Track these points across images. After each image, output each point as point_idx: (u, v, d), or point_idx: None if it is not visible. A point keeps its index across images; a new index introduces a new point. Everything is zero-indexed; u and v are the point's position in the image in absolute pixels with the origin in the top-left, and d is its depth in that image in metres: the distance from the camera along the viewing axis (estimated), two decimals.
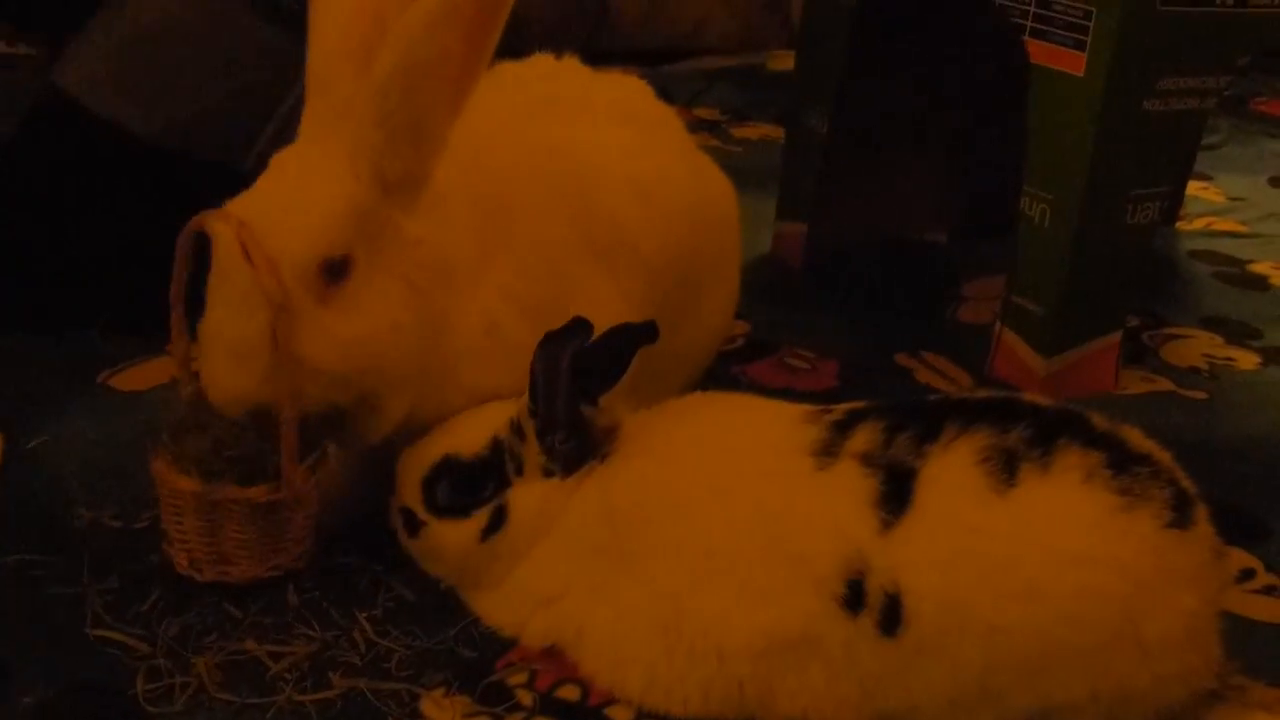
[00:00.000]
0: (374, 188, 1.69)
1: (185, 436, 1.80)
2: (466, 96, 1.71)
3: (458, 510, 1.76)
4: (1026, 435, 1.55)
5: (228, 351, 1.66)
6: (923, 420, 1.61)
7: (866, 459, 1.59)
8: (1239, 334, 3.05)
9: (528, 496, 1.74)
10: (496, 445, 1.75)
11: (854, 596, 1.54)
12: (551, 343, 1.69)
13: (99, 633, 1.70)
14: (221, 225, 1.64)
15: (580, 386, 1.70)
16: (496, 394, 1.80)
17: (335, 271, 1.68)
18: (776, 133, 4.36)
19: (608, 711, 1.66)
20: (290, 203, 1.67)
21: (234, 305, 1.65)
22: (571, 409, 1.71)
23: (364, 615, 1.77)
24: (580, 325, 1.69)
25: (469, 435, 1.78)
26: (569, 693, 1.68)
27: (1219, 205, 4.08)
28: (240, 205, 1.68)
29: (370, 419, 1.77)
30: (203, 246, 1.69)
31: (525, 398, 1.74)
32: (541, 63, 2.24)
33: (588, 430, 1.73)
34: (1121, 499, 1.49)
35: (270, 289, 1.60)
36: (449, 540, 1.77)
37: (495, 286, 1.82)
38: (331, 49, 1.75)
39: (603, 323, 1.71)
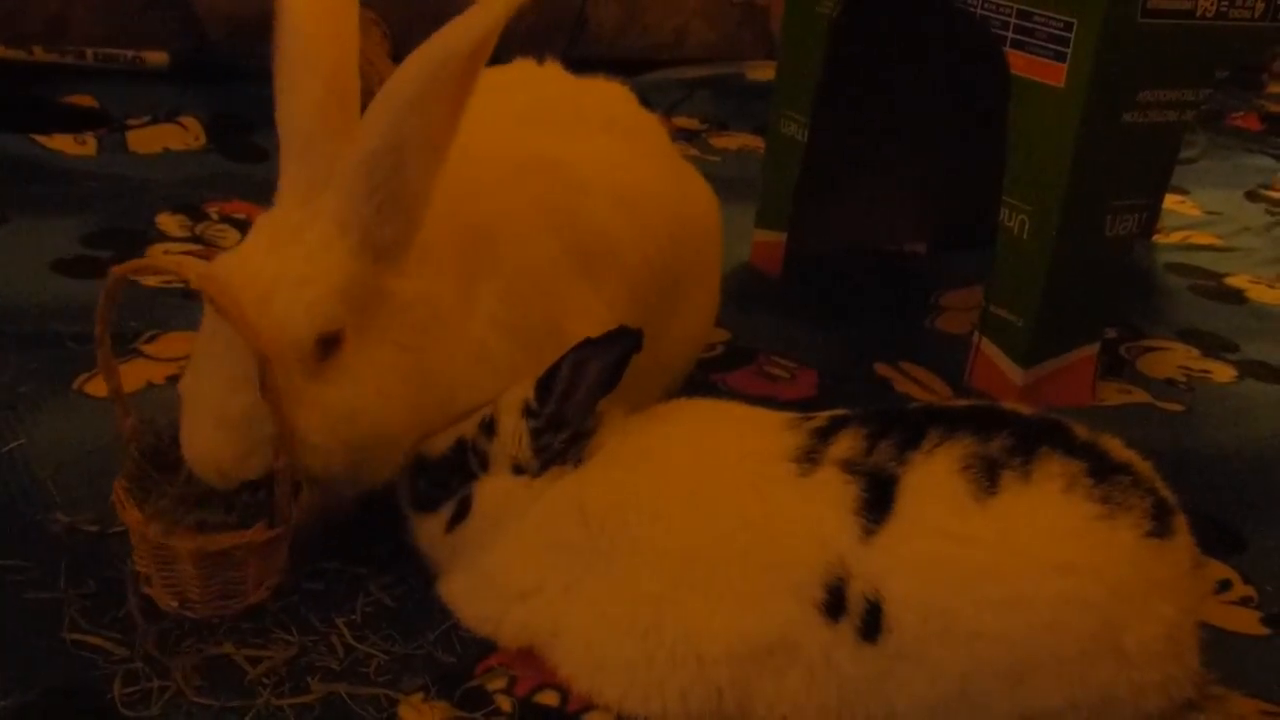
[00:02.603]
0: (365, 258, 1.69)
1: (151, 486, 1.78)
2: (445, 155, 1.70)
3: (428, 504, 1.81)
4: (1008, 444, 1.56)
5: (215, 422, 1.65)
6: (905, 428, 1.62)
7: (848, 466, 1.60)
8: (1215, 347, 3.06)
9: (491, 490, 1.77)
10: (460, 444, 1.79)
11: (835, 603, 1.54)
12: (587, 348, 1.71)
13: (76, 637, 1.69)
14: (214, 289, 1.60)
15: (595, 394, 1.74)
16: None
17: (329, 345, 1.67)
18: (756, 142, 4.38)
19: (587, 717, 1.66)
20: (287, 275, 1.65)
21: (224, 375, 1.64)
22: (585, 413, 1.74)
23: (342, 620, 1.77)
24: (622, 336, 1.71)
25: (439, 436, 1.82)
26: (548, 698, 1.68)
27: (1196, 219, 4.11)
28: (231, 270, 1.65)
29: (362, 480, 1.78)
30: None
31: (504, 396, 1.79)
32: (523, 68, 2.24)
33: (588, 434, 1.76)
34: (1102, 508, 1.50)
35: (262, 359, 1.58)
36: (422, 532, 1.83)
37: (483, 316, 1.83)
38: (311, 109, 1.73)
39: (591, 332, 1.72)
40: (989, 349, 2.66)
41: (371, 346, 1.71)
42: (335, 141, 1.71)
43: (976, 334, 2.70)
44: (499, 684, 1.69)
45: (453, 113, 1.67)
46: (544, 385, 1.75)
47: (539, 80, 2.22)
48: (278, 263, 1.66)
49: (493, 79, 2.08)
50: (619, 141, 2.14)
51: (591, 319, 1.89)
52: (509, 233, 1.87)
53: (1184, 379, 2.86)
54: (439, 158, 1.69)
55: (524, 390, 1.77)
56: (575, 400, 1.73)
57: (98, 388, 2.31)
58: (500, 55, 2.03)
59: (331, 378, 1.68)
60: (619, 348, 1.71)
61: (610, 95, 2.29)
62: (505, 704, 1.66)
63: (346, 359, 1.69)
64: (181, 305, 2.65)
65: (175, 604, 1.74)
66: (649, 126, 2.30)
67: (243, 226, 3.09)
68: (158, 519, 1.71)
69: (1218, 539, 2.16)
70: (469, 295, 1.82)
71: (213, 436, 1.66)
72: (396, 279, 1.73)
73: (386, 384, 1.72)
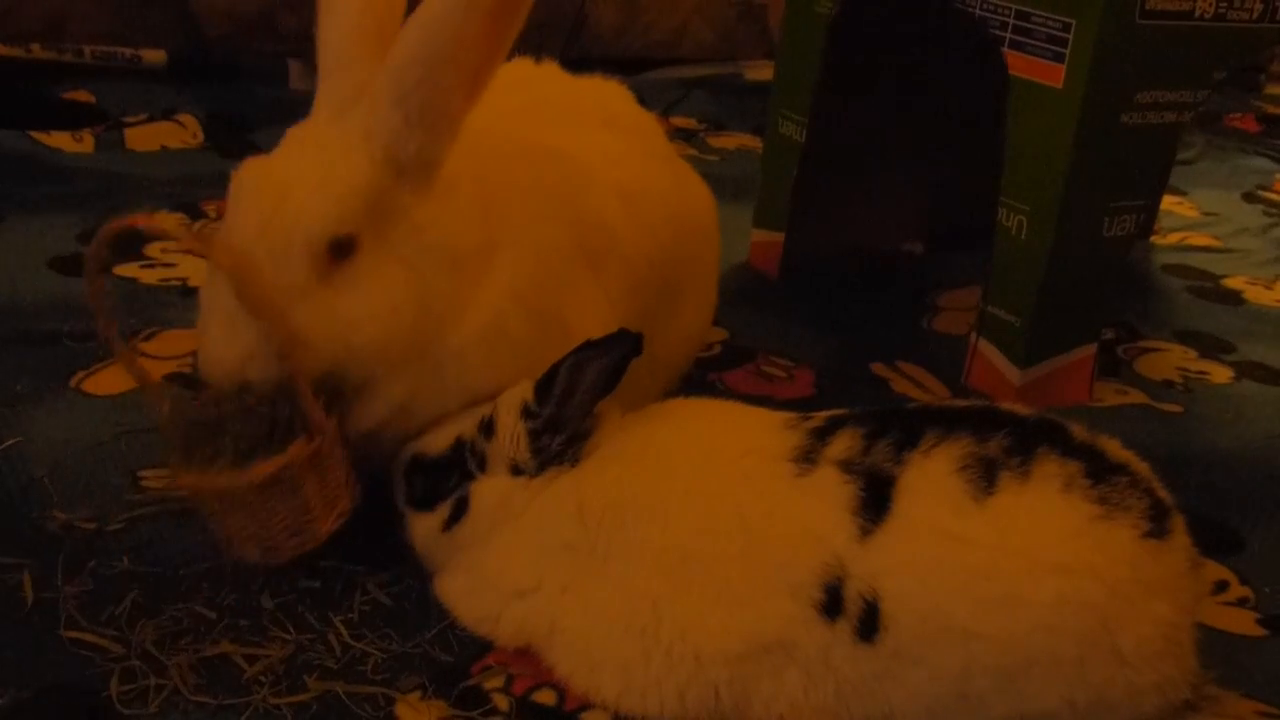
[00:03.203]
0: (387, 170, 1.70)
1: (187, 441, 1.76)
2: (483, 85, 1.72)
3: (425, 503, 1.81)
4: (1006, 444, 1.56)
5: (221, 325, 1.66)
6: (902, 428, 1.62)
7: (846, 466, 1.60)
8: (1213, 348, 3.06)
9: (489, 490, 1.77)
10: (459, 444, 1.79)
11: (832, 602, 1.55)
12: (587, 350, 1.71)
13: (73, 635, 1.69)
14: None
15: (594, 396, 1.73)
16: (493, 392, 1.81)
17: (342, 249, 1.68)
18: (754, 142, 4.38)
19: (584, 716, 1.65)
20: (305, 179, 1.67)
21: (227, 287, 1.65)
22: (584, 415, 1.74)
23: (339, 619, 1.77)
24: (623, 339, 1.71)
25: (438, 435, 1.81)
26: (545, 697, 1.68)
27: (1193, 220, 4.11)
28: (253, 171, 1.69)
29: (365, 403, 1.77)
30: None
31: (503, 397, 1.78)
32: (521, 67, 2.24)
33: (586, 434, 1.76)
34: (1100, 508, 1.50)
35: (233, 270, 1.61)
36: (417, 530, 1.82)
37: (503, 285, 1.81)
38: (348, 29, 1.76)
39: (591, 327, 1.72)
40: (987, 349, 2.66)
41: (385, 261, 1.71)
42: (371, 63, 1.73)
43: (974, 334, 2.70)
44: (496, 683, 1.69)
45: (490, 35, 1.68)
46: (543, 387, 1.75)
47: (537, 79, 2.22)
48: (299, 165, 1.69)
49: None
50: (618, 138, 2.14)
51: (594, 313, 1.90)
52: (523, 210, 1.87)
53: (1181, 380, 2.86)
54: (472, 83, 1.70)
55: (523, 391, 1.77)
56: (574, 402, 1.73)
57: (95, 385, 2.31)
58: None
59: (341, 283, 1.69)
60: (619, 351, 1.71)
61: (609, 94, 2.29)
62: (502, 703, 1.66)
63: (359, 267, 1.70)
64: (180, 303, 2.65)
65: (257, 553, 1.76)
66: (647, 125, 2.30)
67: None
68: (205, 471, 1.71)
69: (1215, 540, 2.16)
70: (489, 257, 1.81)
71: (218, 338, 1.67)
72: (417, 200, 1.74)
73: (395, 299, 1.71)
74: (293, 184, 1.66)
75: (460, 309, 1.78)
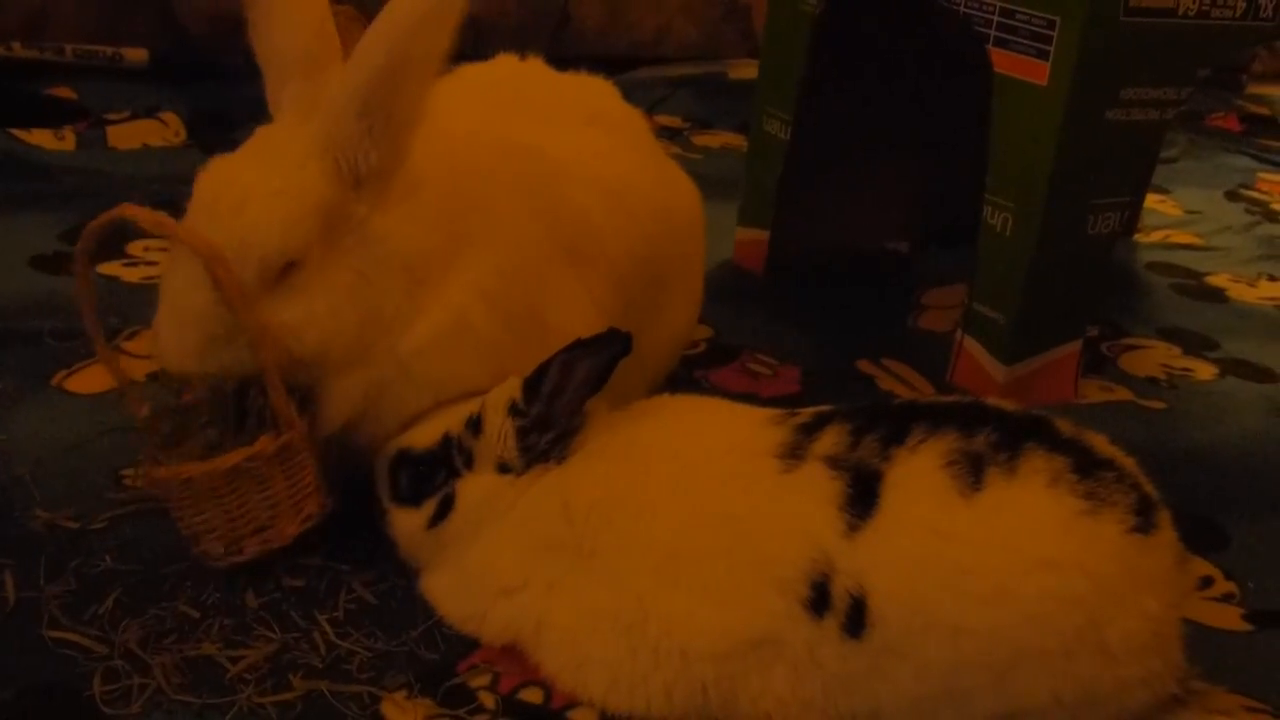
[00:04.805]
0: (344, 184, 1.70)
1: (160, 434, 1.79)
2: (433, 80, 1.71)
3: (411, 499, 1.79)
4: (993, 439, 1.55)
5: (176, 315, 1.67)
6: (889, 423, 1.61)
7: (832, 461, 1.59)
8: (1196, 345, 3.07)
9: (475, 488, 1.76)
10: (446, 440, 1.78)
11: (819, 598, 1.54)
12: (576, 349, 1.71)
13: (55, 634, 1.68)
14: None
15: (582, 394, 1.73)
16: (461, 388, 1.80)
17: (291, 265, 1.68)
18: (737, 141, 4.38)
19: (570, 714, 1.65)
20: (263, 191, 1.66)
21: (186, 274, 1.66)
22: (572, 414, 1.74)
23: (324, 617, 1.76)
24: (612, 338, 1.71)
25: (424, 431, 1.80)
26: (532, 695, 1.67)
27: (1176, 218, 4.12)
28: (217, 180, 1.69)
29: (324, 403, 1.77)
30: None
31: (491, 395, 1.77)
32: (506, 63, 2.23)
33: (573, 433, 1.75)
34: (1086, 503, 1.50)
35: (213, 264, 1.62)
36: (402, 526, 1.81)
37: (467, 282, 1.80)
38: (314, 30, 1.76)
39: (573, 324, 1.72)
40: (971, 346, 2.66)
41: (332, 270, 1.71)
42: (332, 68, 1.74)
43: (959, 331, 2.70)
44: (482, 681, 1.69)
45: (446, 37, 1.67)
46: (531, 385, 1.74)
47: (522, 74, 2.22)
48: (258, 175, 1.68)
49: (475, 73, 2.08)
50: (603, 135, 2.13)
51: (575, 310, 1.89)
52: (499, 209, 1.86)
53: (1165, 377, 2.86)
54: (430, 84, 1.70)
55: (511, 389, 1.76)
56: (562, 401, 1.73)
57: (77, 384, 2.30)
58: (482, 52, 2.03)
59: (286, 291, 1.69)
60: (609, 351, 1.71)
61: (594, 90, 2.28)
62: (489, 701, 1.65)
63: (306, 277, 1.70)
64: None
65: (222, 550, 1.77)
66: (633, 121, 2.29)
67: None
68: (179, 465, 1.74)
69: (1200, 536, 2.16)
70: (453, 256, 1.80)
71: (172, 328, 1.68)
72: (374, 210, 1.73)
73: (337, 304, 1.71)
74: (250, 196, 1.66)
75: (418, 310, 1.77)
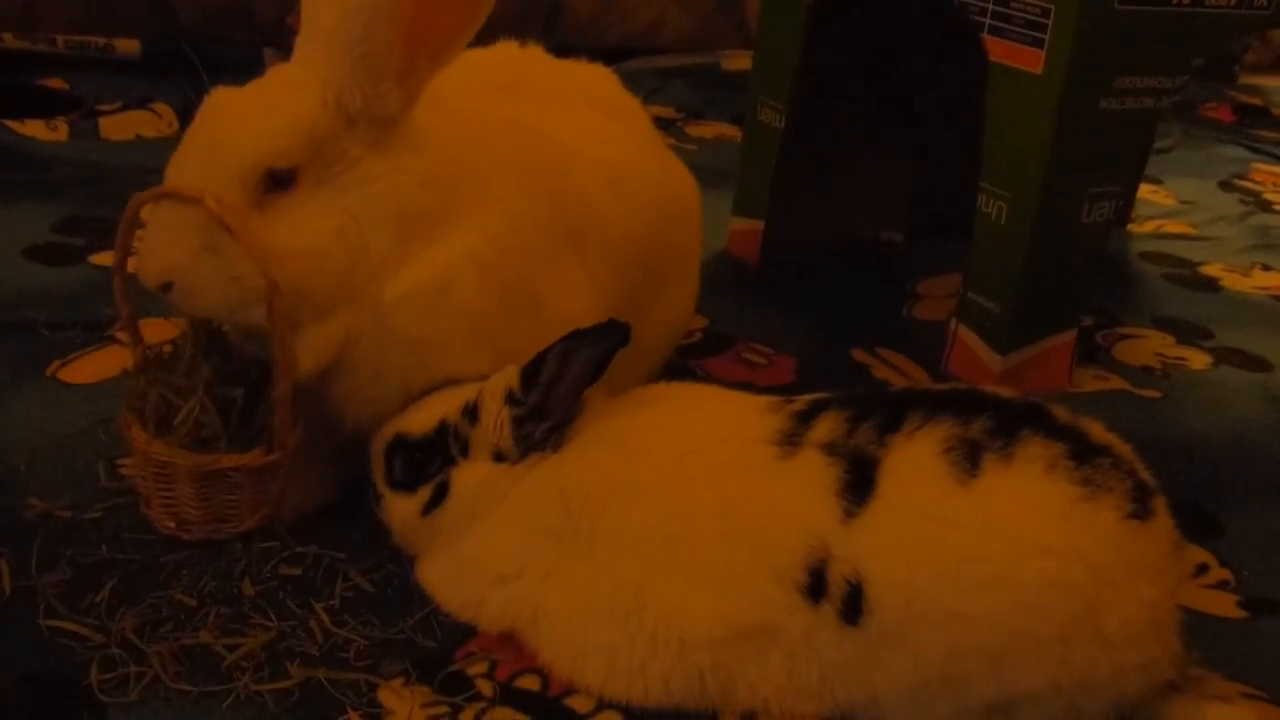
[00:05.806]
0: (337, 116, 1.71)
1: (145, 400, 1.84)
2: (440, 54, 1.73)
3: (406, 485, 1.79)
4: (989, 426, 1.56)
5: (164, 229, 1.70)
6: (886, 410, 1.62)
7: (829, 448, 1.59)
8: (1190, 334, 3.08)
9: (470, 476, 1.76)
10: (442, 427, 1.77)
11: (816, 585, 1.54)
12: (575, 339, 1.70)
13: (52, 623, 1.68)
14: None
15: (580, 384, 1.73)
16: (437, 349, 1.79)
17: (279, 182, 1.69)
18: (731, 131, 4.38)
19: (568, 701, 1.65)
20: (255, 109, 1.71)
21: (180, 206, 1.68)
22: (569, 403, 1.73)
23: (321, 605, 1.76)
24: (612, 329, 1.71)
25: (421, 416, 1.80)
26: (529, 682, 1.68)
27: (1170, 208, 4.13)
28: (215, 103, 1.74)
29: (303, 341, 1.75)
30: None
31: (489, 383, 1.77)
32: (506, 49, 2.23)
33: (569, 421, 1.75)
34: (1083, 490, 1.51)
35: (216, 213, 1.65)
36: (396, 511, 1.80)
37: (462, 248, 1.79)
38: None
39: (570, 305, 1.71)
40: (967, 336, 2.67)
41: (323, 203, 1.72)
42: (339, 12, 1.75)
43: (954, 321, 2.70)
44: (480, 668, 1.69)
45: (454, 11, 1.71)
46: (529, 374, 1.74)
47: (522, 60, 2.21)
48: (253, 98, 1.73)
49: (475, 58, 2.07)
50: (605, 119, 2.13)
51: (573, 291, 1.89)
52: (500, 184, 1.85)
53: (1159, 366, 2.87)
54: (418, 42, 1.71)
55: (508, 377, 1.76)
56: (560, 390, 1.72)
57: (72, 374, 2.29)
58: (478, 41, 2.03)
59: (274, 214, 1.70)
60: (607, 341, 1.70)
61: (594, 76, 2.28)
62: (486, 688, 1.65)
63: (295, 203, 1.71)
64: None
65: (172, 524, 1.83)
66: (632, 108, 2.29)
67: None
68: (162, 441, 1.79)
69: (1194, 524, 2.17)
70: (449, 219, 1.80)
71: (158, 240, 1.70)
72: (370, 153, 1.74)
73: (323, 242, 1.72)
74: (241, 114, 1.71)
75: (404, 263, 1.76)
